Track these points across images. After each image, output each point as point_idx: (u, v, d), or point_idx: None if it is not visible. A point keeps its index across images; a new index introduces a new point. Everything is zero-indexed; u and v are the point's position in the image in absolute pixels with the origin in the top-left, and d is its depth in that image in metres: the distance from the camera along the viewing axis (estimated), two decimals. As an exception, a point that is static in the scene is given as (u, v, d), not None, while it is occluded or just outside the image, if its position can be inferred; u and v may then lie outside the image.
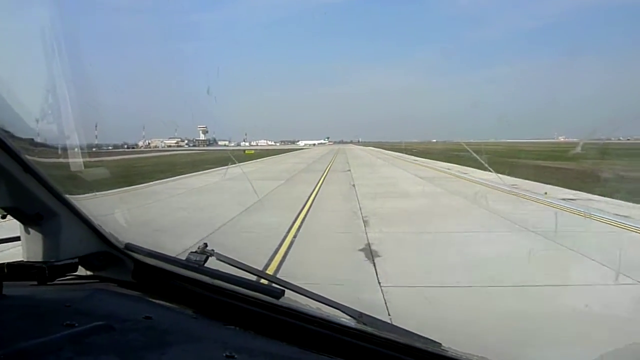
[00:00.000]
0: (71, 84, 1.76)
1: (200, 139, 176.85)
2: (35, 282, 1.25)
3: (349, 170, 24.65)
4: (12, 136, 1.13)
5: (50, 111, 1.69)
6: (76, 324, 0.96)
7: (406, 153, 55.37)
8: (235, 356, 0.93)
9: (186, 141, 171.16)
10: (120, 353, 0.91)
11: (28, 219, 1.24)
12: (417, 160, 35.32)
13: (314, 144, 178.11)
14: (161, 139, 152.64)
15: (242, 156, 44.14)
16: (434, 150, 64.31)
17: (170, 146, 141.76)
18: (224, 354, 0.93)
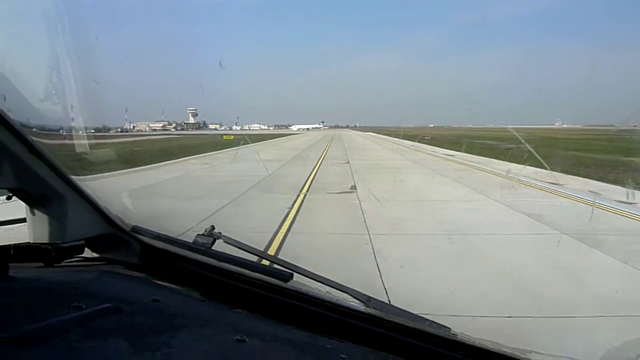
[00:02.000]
0: (75, 64, 1.71)
1: (190, 122, 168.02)
2: (42, 264, 1.21)
3: (353, 189, 11.34)
4: (17, 117, 1.09)
5: (54, 91, 1.67)
6: (84, 306, 0.90)
7: (416, 141, 43.03)
8: (247, 340, 0.88)
9: (174, 124, 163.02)
10: (129, 336, 0.84)
11: (33, 200, 1.19)
12: (451, 156, 22.63)
13: (308, 129, 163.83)
14: (147, 122, 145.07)
15: (218, 143, 34.65)
16: (444, 137, 51.97)
17: (155, 130, 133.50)
18: (235, 338, 0.88)
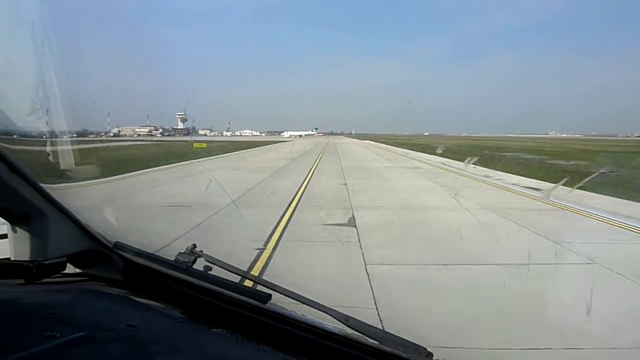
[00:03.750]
0: (61, 78, 1.64)
1: (179, 127, 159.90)
2: (23, 281, 1.18)
3: None
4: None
5: (39, 106, 1.64)
6: (57, 334, 0.90)
7: (429, 152, 33.89)
8: None
9: (160, 130, 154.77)
10: None
11: (15, 218, 1.18)
12: (535, 191, 12.51)
13: (300, 135, 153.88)
14: (132, 127, 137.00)
15: (174, 154, 27.44)
16: (456, 149, 42.84)
17: (139, 135, 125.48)
18: None
